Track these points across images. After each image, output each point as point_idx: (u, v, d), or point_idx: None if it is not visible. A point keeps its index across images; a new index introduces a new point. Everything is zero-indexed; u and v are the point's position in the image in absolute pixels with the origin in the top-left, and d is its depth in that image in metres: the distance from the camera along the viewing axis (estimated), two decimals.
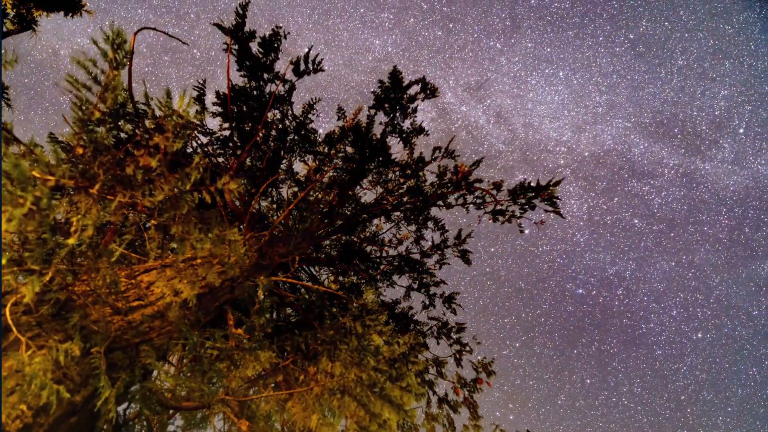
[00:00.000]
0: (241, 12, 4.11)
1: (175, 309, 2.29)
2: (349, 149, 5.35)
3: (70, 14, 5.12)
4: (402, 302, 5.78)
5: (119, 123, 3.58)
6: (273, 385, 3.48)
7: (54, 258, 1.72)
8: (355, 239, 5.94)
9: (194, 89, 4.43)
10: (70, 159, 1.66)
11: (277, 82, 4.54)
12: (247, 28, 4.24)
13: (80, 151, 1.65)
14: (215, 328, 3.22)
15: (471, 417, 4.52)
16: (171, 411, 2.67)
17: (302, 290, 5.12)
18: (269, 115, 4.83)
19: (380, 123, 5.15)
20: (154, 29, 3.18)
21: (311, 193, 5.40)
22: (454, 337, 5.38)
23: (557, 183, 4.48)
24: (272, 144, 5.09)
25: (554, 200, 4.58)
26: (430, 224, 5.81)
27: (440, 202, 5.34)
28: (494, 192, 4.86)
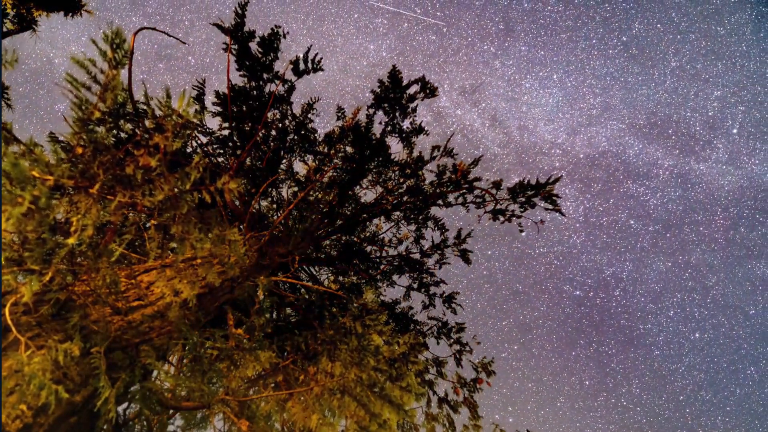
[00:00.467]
0: (240, 12, 4.11)
1: (175, 309, 2.29)
2: (349, 149, 5.35)
3: (70, 14, 5.12)
4: (402, 302, 5.78)
5: (119, 123, 3.58)
6: (273, 385, 3.48)
7: (54, 258, 1.72)
8: (355, 239, 5.94)
9: (194, 89, 4.43)
10: (70, 159, 1.66)
11: (277, 82, 4.54)
12: (246, 28, 4.23)
13: (80, 150, 1.65)
14: (215, 328, 3.22)
15: (471, 417, 4.52)
16: (171, 411, 2.67)
17: (302, 290, 5.12)
18: (269, 114, 4.83)
19: (380, 123, 5.15)
20: (153, 29, 3.18)
21: (311, 193, 5.40)
22: (454, 337, 5.38)
23: (556, 180, 4.48)
24: (272, 144, 5.09)
25: (554, 198, 4.58)
26: (429, 224, 5.81)
27: (440, 202, 5.34)
28: (494, 191, 4.86)
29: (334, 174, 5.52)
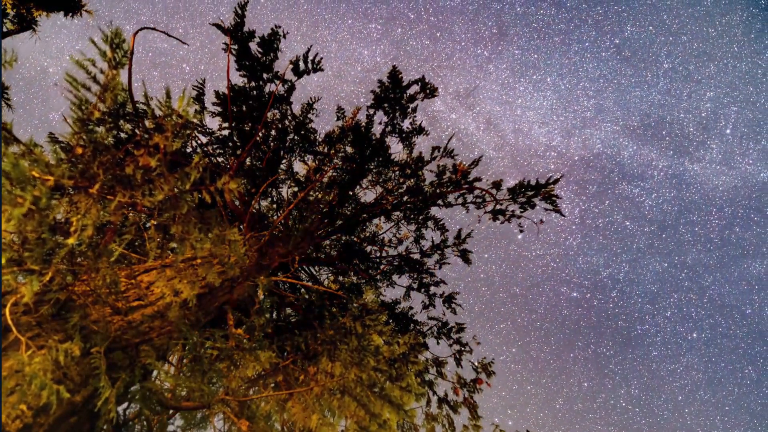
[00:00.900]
0: (240, 12, 4.11)
1: (175, 309, 2.29)
2: (349, 149, 5.35)
3: (70, 14, 5.12)
4: (402, 302, 5.78)
5: (119, 123, 3.58)
6: (273, 385, 3.48)
7: (54, 258, 1.72)
8: (355, 239, 5.94)
9: (193, 89, 4.43)
10: (70, 159, 1.66)
11: (277, 82, 4.54)
12: (245, 29, 4.23)
13: (80, 150, 1.65)
14: (215, 328, 3.22)
15: (471, 417, 4.52)
16: (171, 411, 2.67)
17: (302, 290, 5.12)
18: (269, 114, 4.83)
19: (380, 123, 5.15)
20: (154, 29, 3.18)
21: (311, 193, 5.40)
22: (454, 337, 5.38)
23: (556, 181, 4.48)
24: (272, 144, 5.09)
25: (554, 198, 4.58)
26: (429, 224, 5.81)
27: (440, 202, 5.34)
28: (494, 191, 4.86)
29: (334, 174, 5.52)
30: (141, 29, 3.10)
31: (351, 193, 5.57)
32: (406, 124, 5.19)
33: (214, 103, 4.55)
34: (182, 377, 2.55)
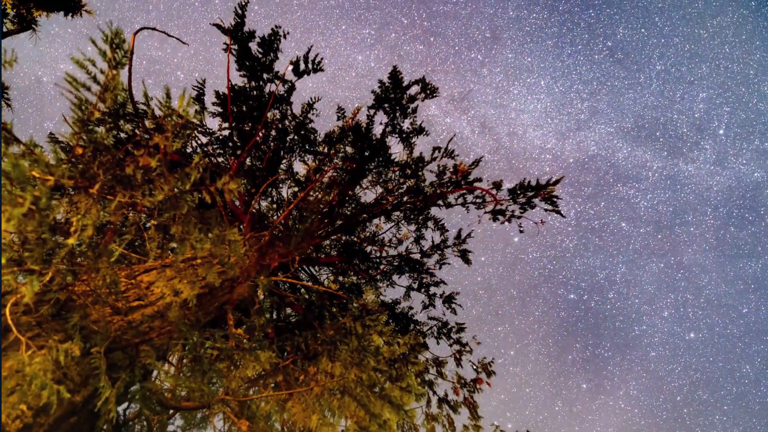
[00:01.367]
0: (240, 12, 4.11)
1: (175, 309, 2.29)
2: (349, 149, 5.35)
3: (70, 14, 5.12)
4: (402, 302, 5.78)
5: (119, 123, 3.58)
6: (273, 385, 3.48)
7: (54, 258, 1.72)
8: (355, 239, 5.94)
9: (193, 89, 4.43)
10: (70, 159, 1.66)
11: (277, 82, 4.54)
12: (246, 28, 4.24)
13: (80, 151, 1.65)
14: (215, 328, 3.22)
15: (471, 417, 4.52)
16: (171, 411, 2.67)
17: (302, 290, 5.12)
18: (269, 114, 4.83)
19: (380, 123, 5.15)
20: (154, 29, 3.18)
21: (311, 193, 5.40)
22: (454, 337, 5.38)
23: (557, 182, 4.48)
24: (272, 144, 5.09)
25: (554, 199, 4.58)
26: (429, 224, 5.81)
27: (440, 202, 5.34)
28: (494, 192, 4.86)
29: (334, 174, 5.52)
30: (141, 29, 3.10)
31: (351, 193, 5.57)
32: (406, 125, 5.19)
33: (214, 103, 4.55)
34: (182, 377, 2.55)
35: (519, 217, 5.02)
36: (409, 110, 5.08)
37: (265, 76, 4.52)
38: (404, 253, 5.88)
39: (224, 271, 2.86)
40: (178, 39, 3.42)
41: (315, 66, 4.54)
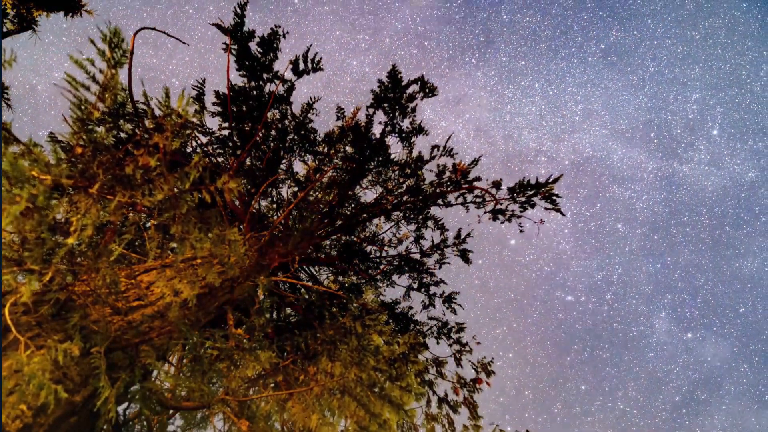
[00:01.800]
0: (239, 12, 4.10)
1: (175, 309, 2.28)
2: (349, 149, 5.35)
3: (71, 14, 5.12)
4: (402, 302, 5.78)
5: (119, 122, 3.58)
6: (273, 385, 3.47)
7: (53, 258, 1.71)
8: (355, 239, 5.94)
9: (193, 89, 4.43)
10: (70, 159, 1.66)
11: (277, 82, 4.54)
12: (246, 28, 4.23)
13: (79, 150, 1.65)
14: (215, 328, 3.22)
15: (471, 417, 4.52)
16: (171, 411, 2.67)
17: (302, 290, 5.12)
18: (269, 114, 4.83)
19: (379, 122, 5.14)
20: (153, 29, 3.18)
21: (311, 193, 5.40)
22: (454, 337, 5.38)
23: (556, 180, 4.48)
24: (272, 144, 5.09)
25: (554, 198, 4.58)
26: (429, 223, 5.81)
27: (440, 201, 5.34)
28: (494, 191, 4.86)
29: (334, 174, 5.52)
30: (141, 29, 3.09)
31: (351, 193, 5.57)
32: (405, 124, 5.19)
33: (213, 103, 4.55)
34: (182, 377, 2.55)
35: (519, 217, 5.02)
36: (409, 109, 5.08)
37: (264, 75, 4.52)
38: (404, 253, 5.88)
39: (224, 271, 2.86)
40: (178, 39, 3.42)
41: (314, 65, 4.54)
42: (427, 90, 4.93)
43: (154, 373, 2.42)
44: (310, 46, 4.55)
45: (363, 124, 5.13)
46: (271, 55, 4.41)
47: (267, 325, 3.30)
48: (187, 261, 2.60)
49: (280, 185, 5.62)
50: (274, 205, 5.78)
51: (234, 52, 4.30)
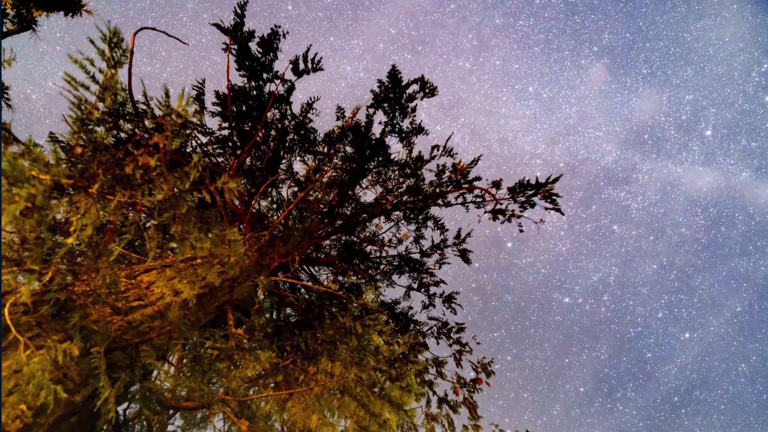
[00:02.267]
0: (239, 12, 4.10)
1: (175, 309, 2.28)
2: (349, 149, 5.35)
3: (71, 14, 5.11)
4: (402, 302, 5.78)
5: (119, 122, 3.58)
6: (273, 385, 3.47)
7: (53, 258, 1.71)
8: (355, 239, 5.94)
9: (193, 89, 4.42)
10: (70, 159, 1.66)
11: (277, 82, 4.54)
12: (246, 28, 4.23)
13: (79, 150, 1.65)
14: (215, 328, 3.22)
15: (470, 417, 4.52)
16: (171, 411, 2.67)
17: (302, 290, 5.12)
18: (269, 114, 4.83)
19: (379, 122, 5.14)
20: (153, 29, 3.18)
21: (311, 193, 5.40)
22: (454, 337, 5.38)
23: (556, 179, 4.48)
24: (272, 144, 5.09)
25: (554, 197, 4.58)
26: (429, 223, 5.81)
27: (440, 201, 5.33)
28: (493, 191, 4.86)
29: (334, 174, 5.52)
30: (141, 29, 3.09)
31: (351, 193, 5.57)
32: (405, 124, 5.19)
33: (214, 103, 4.55)
34: (182, 377, 2.54)
35: (519, 216, 5.02)
36: (409, 109, 5.08)
37: (264, 75, 4.52)
38: (404, 253, 5.88)
39: (224, 271, 2.86)
40: (178, 39, 3.42)
41: (314, 65, 4.54)
42: (427, 90, 4.93)
43: (154, 373, 2.42)
44: (310, 46, 4.55)
45: (363, 124, 5.13)
46: (271, 55, 4.41)
47: (267, 325, 3.30)
48: (187, 261, 2.59)
49: (280, 185, 5.63)
50: (274, 205, 5.78)
51: (234, 52, 4.30)
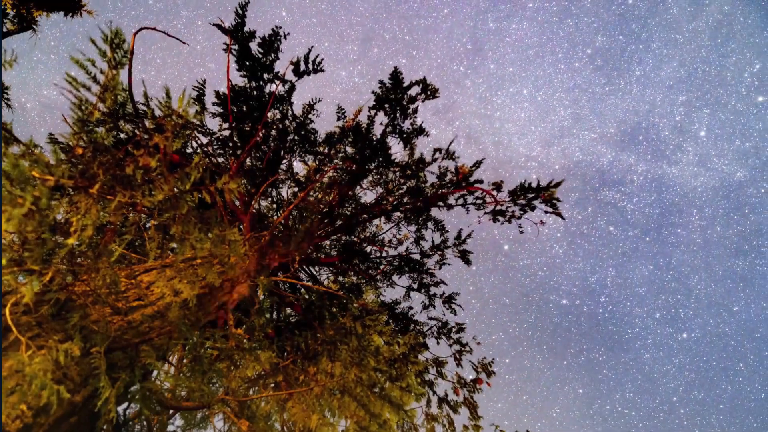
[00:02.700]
0: (240, 12, 4.11)
1: (175, 309, 2.29)
2: (349, 149, 5.35)
3: (71, 14, 5.12)
4: (402, 302, 5.78)
5: (119, 123, 3.58)
6: (273, 385, 3.48)
7: (54, 258, 1.72)
8: (355, 239, 5.94)
9: (194, 89, 4.43)
10: (70, 159, 1.66)
11: (277, 82, 4.54)
12: (246, 29, 4.23)
13: (80, 151, 1.65)
14: (215, 328, 3.22)
15: (471, 417, 4.52)
16: (171, 411, 2.67)
17: (302, 290, 5.12)
18: (269, 115, 4.84)
19: (380, 123, 5.15)
20: (154, 29, 3.18)
21: (311, 193, 5.40)
22: (454, 337, 5.38)
23: (558, 184, 4.48)
24: (272, 144, 5.09)
25: (554, 201, 4.58)
26: (430, 224, 5.81)
27: (440, 203, 5.34)
28: (494, 193, 4.86)
29: (334, 174, 5.52)
30: (141, 29, 3.09)
31: (351, 194, 5.57)
32: (406, 125, 5.19)
33: (214, 104, 4.55)
34: (182, 377, 2.55)
35: (518, 218, 5.02)
36: (410, 111, 5.08)
37: (265, 76, 4.52)
38: (404, 254, 5.88)
39: (224, 271, 2.86)
40: (178, 39, 3.42)
41: (315, 66, 4.54)
42: (429, 92, 4.93)
43: (154, 373, 2.42)
44: (312, 47, 4.55)
45: (364, 124, 5.13)
46: (272, 55, 4.41)
47: (267, 325, 3.30)
48: (187, 261, 2.60)
49: (280, 185, 5.63)
50: (274, 205, 5.78)
51: (234, 52, 4.31)
